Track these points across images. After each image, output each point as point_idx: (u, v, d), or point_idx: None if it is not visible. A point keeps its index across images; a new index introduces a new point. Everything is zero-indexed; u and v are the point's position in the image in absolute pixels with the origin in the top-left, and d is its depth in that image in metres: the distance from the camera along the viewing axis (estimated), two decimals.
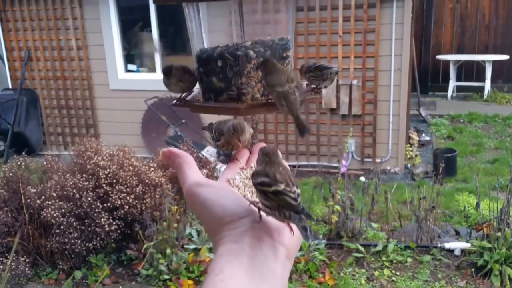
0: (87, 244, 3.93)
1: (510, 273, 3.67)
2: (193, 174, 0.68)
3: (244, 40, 0.86)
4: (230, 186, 0.68)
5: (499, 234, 3.82)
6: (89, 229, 3.95)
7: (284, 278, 0.58)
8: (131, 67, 7.47)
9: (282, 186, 0.60)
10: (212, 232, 0.63)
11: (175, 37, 7.34)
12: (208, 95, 0.86)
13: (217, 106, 0.85)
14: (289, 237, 0.61)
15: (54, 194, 3.96)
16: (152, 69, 7.37)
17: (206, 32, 0.90)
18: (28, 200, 3.97)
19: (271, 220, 0.61)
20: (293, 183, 0.61)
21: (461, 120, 8.56)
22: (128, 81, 7.22)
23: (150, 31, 7.10)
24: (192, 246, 4.12)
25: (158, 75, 7.03)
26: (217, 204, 0.63)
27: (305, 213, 0.59)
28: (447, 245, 4.13)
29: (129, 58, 7.54)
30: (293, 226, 0.62)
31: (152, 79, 7.02)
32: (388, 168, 6.47)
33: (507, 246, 3.78)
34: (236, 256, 0.57)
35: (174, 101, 0.92)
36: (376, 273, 3.92)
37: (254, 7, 0.88)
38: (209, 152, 6.73)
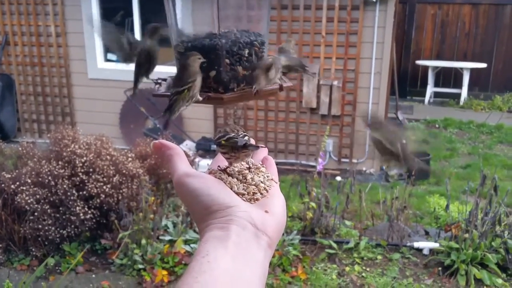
0: (61, 232, 3.90)
1: (475, 273, 3.80)
2: (183, 165, 0.70)
3: (224, 31, 0.88)
4: (218, 177, 0.71)
5: (466, 235, 3.95)
6: (64, 216, 3.92)
7: (265, 264, 0.62)
8: (111, 56, 7.39)
9: (232, 134, 0.73)
10: (200, 220, 0.66)
11: None
12: (229, 85, 0.85)
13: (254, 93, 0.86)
14: (272, 227, 0.65)
15: (29, 180, 3.92)
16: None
17: (192, 21, 0.92)
18: (2, 185, 3.92)
19: (255, 211, 0.65)
20: (241, 131, 0.74)
21: (437, 125, 8.75)
22: (108, 71, 7.15)
23: (132, 20, 7.04)
24: (167, 238, 4.12)
25: None
26: (205, 194, 0.66)
27: (243, 144, 0.71)
28: (416, 244, 4.24)
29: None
30: (275, 212, 0.67)
31: (132, 70, 6.95)
32: (364, 169, 6.58)
33: (474, 247, 3.91)
34: (221, 242, 0.60)
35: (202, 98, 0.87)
36: (347, 268, 4.00)
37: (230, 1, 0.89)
38: (188, 146, 6.73)
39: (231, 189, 0.68)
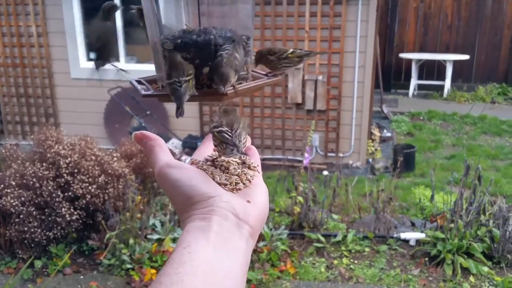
0: (47, 233, 3.86)
1: (461, 263, 3.85)
2: (164, 156, 0.70)
3: (211, 26, 0.87)
4: (200, 168, 0.71)
5: (452, 225, 4.00)
6: (50, 218, 3.88)
7: (247, 253, 0.62)
8: (93, 55, 7.30)
9: (224, 128, 0.73)
10: (182, 211, 0.66)
11: (140, 25, 7.21)
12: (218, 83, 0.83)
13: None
14: (254, 216, 0.65)
15: (13, 183, 3.87)
16: (116, 59, 7.24)
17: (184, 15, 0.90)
18: None
19: (237, 201, 0.65)
20: (237, 125, 0.73)
21: (421, 118, 8.83)
22: (90, 70, 7.07)
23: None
24: (155, 237, 4.11)
25: (122, 64, 6.93)
26: (187, 184, 0.65)
27: (233, 143, 0.71)
28: (402, 236, 4.29)
29: (91, 47, 7.37)
30: (258, 201, 0.67)
31: (116, 69, 6.90)
32: (350, 162, 6.62)
33: (459, 237, 3.96)
34: (203, 232, 0.60)
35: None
36: (335, 261, 4.03)
37: None
38: (174, 144, 6.70)
39: (213, 179, 0.68)
